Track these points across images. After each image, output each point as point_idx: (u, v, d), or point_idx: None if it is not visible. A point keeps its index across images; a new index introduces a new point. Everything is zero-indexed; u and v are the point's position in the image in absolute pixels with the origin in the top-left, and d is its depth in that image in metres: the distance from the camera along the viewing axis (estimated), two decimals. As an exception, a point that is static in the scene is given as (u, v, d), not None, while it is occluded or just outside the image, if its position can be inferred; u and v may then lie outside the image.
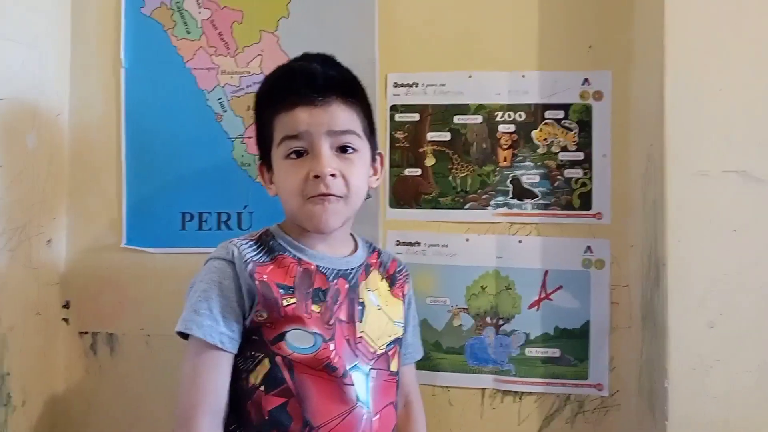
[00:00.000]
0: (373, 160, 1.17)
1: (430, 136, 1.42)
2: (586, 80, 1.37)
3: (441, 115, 1.41)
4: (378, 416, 1.07)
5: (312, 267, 1.08)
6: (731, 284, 1.14)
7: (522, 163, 1.39)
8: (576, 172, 1.38)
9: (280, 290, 1.04)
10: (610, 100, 1.37)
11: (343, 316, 1.08)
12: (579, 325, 1.37)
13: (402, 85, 1.42)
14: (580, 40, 1.38)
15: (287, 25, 1.43)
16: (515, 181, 1.39)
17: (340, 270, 1.11)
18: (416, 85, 1.42)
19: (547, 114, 1.39)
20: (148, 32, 1.45)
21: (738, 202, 1.14)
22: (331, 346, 1.04)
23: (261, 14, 1.43)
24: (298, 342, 1.03)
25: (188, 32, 1.44)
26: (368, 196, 1.15)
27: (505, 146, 1.40)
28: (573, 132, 1.38)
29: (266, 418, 1.01)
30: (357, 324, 1.09)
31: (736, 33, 1.16)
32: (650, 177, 1.24)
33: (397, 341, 1.17)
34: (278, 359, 1.02)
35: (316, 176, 1.04)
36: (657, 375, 1.19)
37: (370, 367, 1.08)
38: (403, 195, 1.42)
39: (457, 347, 1.40)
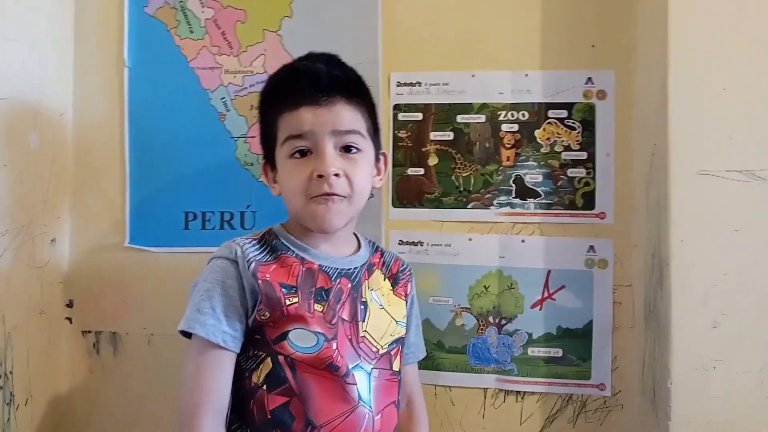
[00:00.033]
0: (377, 159, 1.17)
1: (433, 135, 1.42)
2: (589, 79, 1.37)
3: (444, 114, 1.41)
4: (380, 415, 1.07)
5: (315, 266, 1.08)
6: (734, 284, 1.14)
7: (525, 163, 1.39)
8: (579, 172, 1.37)
9: (283, 289, 1.04)
10: (613, 99, 1.37)
11: (345, 315, 1.08)
12: (582, 325, 1.36)
13: (405, 85, 1.42)
14: (583, 39, 1.38)
15: (290, 25, 1.43)
16: (518, 180, 1.39)
17: (342, 269, 1.11)
18: (419, 84, 1.42)
19: (551, 113, 1.38)
20: (151, 31, 1.45)
21: (741, 202, 1.14)
22: (334, 346, 1.04)
23: (264, 13, 1.43)
24: (300, 341, 1.03)
25: (191, 31, 1.45)
26: (371, 196, 1.15)
27: (508, 145, 1.39)
28: (576, 131, 1.38)
29: (269, 417, 1.01)
30: (359, 323, 1.09)
31: (739, 32, 1.16)
32: (653, 176, 1.23)
33: (400, 341, 1.17)
34: (281, 358, 1.02)
35: (320, 176, 1.04)
36: (660, 375, 1.19)
37: (372, 366, 1.08)
38: (406, 194, 1.42)
39: (459, 347, 1.40)
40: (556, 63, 1.39)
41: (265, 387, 1.02)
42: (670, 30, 1.17)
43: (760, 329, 1.13)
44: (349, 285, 1.10)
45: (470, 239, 1.40)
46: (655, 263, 1.23)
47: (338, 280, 1.09)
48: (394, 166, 1.41)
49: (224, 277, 1.04)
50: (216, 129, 1.44)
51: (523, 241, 1.39)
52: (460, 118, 1.41)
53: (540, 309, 1.38)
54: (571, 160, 1.38)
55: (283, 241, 1.10)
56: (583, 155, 1.38)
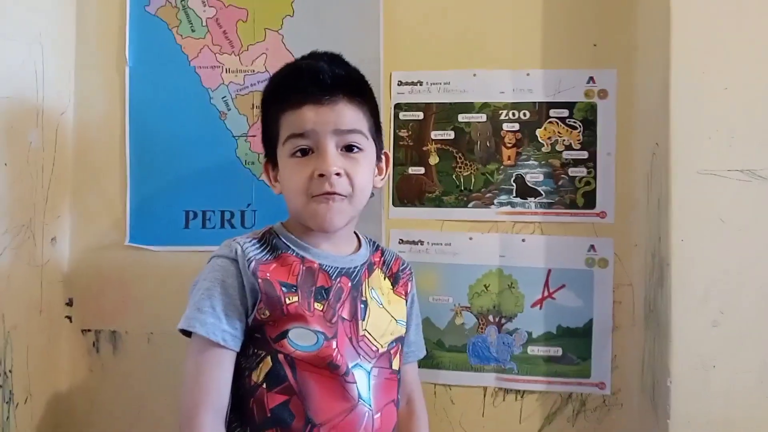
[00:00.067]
0: (379, 159, 1.17)
1: (434, 134, 1.42)
2: (590, 78, 1.37)
3: (445, 113, 1.41)
4: (380, 414, 1.07)
5: (315, 265, 1.09)
6: (734, 283, 1.14)
7: (526, 162, 1.39)
8: (580, 171, 1.37)
9: (283, 288, 1.04)
10: (614, 99, 1.37)
11: (345, 314, 1.08)
12: (582, 324, 1.36)
13: (406, 84, 1.42)
14: (584, 38, 1.38)
15: (292, 24, 1.43)
16: (519, 179, 1.39)
17: (343, 268, 1.11)
18: (420, 83, 1.42)
19: (552, 112, 1.38)
20: (152, 30, 1.45)
21: (742, 201, 1.14)
22: (334, 344, 1.04)
23: (266, 13, 1.43)
24: (300, 340, 1.03)
25: (193, 30, 1.45)
26: (371, 195, 1.15)
27: (509, 145, 1.39)
28: (577, 130, 1.38)
29: (268, 415, 1.01)
30: (360, 322, 1.09)
31: (741, 31, 1.16)
32: (654, 176, 1.24)
33: (400, 340, 1.17)
34: (280, 357, 1.02)
35: (321, 175, 1.04)
36: (660, 374, 1.19)
37: (372, 365, 1.09)
38: (407, 193, 1.42)
39: (459, 346, 1.40)
40: (558, 62, 1.39)
41: (264, 386, 1.02)
42: (671, 29, 1.17)
43: (760, 328, 1.13)
44: (350, 284, 1.10)
45: (470, 238, 1.40)
46: (655, 262, 1.23)
47: (338, 279, 1.09)
48: (394, 165, 1.41)
49: (224, 276, 1.04)
50: (217, 128, 1.44)
51: (523, 240, 1.39)
52: (461, 117, 1.41)
53: (540, 308, 1.38)
54: (572, 159, 1.38)
55: (283, 240, 1.10)
56: (584, 154, 1.38)
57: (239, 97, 1.44)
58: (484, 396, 1.39)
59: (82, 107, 1.46)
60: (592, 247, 1.37)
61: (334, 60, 1.12)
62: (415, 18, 1.42)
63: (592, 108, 1.37)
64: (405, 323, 1.19)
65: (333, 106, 1.06)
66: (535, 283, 1.38)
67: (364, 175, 1.10)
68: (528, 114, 1.39)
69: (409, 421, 1.21)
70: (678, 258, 1.15)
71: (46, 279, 1.37)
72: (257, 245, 1.08)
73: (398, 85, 1.42)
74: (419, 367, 1.29)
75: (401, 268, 1.23)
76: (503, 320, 1.38)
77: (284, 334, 1.03)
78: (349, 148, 1.08)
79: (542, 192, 1.39)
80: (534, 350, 1.38)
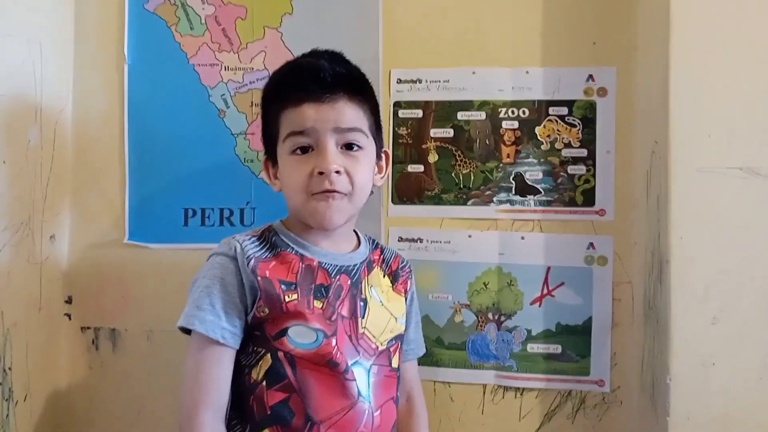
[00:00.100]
0: (379, 158, 1.17)
1: (434, 132, 1.42)
2: (590, 76, 1.37)
3: (444, 111, 1.41)
4: (379, 411, 1.08)
5: (314, 263, 1.09)
6: (734, 281, 1.14)
7: (525, 160, 1.39)
8: (579, 169, 1.37)
9: (282, 286, 1.04)
10: (614, 97, 1.37)
11: (345, 312, 1.08)
12: (581, 322, 1.36)
13: (405, 81, 1.42)
14: (584, 36, 1.38)
15: (291, 22, 1.43)
16: (518, 177, 1.39)
17: (342, 266, 1.11)
18: (419, 81, 1.42)
19: (551, 110, 1.38)
20: (151, 28, 1.44)
21: (742, 199, 1.14)
22: (333, 342, 1.04)
23: (265, 10, 1.43)
24: (300, 338, 1.03)
25: (192, 28, 1.44)
26: (371, 192, 1.15)
27: (509, 142, 1.39)
28: (577, 128, 1.38)
29: (268, 413, 1.01)
30: (359, 320, 1.09)
31: (740, 29, 1.16)
32: (654, 173, 1.24)
33: (399, 337, 1.17)
34: (280, 354, 1.02)
35: (321, 173, 1.04)
36: (659, 371, 1.19)
37: (371, 363, 1.09)
38: (406, 191, 1.42)
39: (458, 343, 1.40)
40: (557, 60, 1.39)
41: (264, 383, 1.02)
42: (671, 28, 1.17)
43: (760, 326, 1.13)
44: (349, 282, 1.10)
45: (470, 236, 1.40)
46: (654, 260, 1.23)
47: (338, 277, 1.09)
48: (394, 162, 1.41)
49: (223, 274, 1.04)
50: (216, 126, 1.44)
51: (522, 237, 1.39)
52: (460, 115, 1.41)
53: (539, 306, 1.38)
54: (572, 157, 1.38)
55: (282, 237, 1.10)
56: (584, 152, 1.38)
57: (238, 95, 1.44)
58: (484, 393, 1.39)
59: (81, 105, 1.46)
60: (592, 244, 1.37)
61: (335, 58, 1.12)
62: (414, 16, 1.42)
63: (591, 106, 1.37)
64: (404, 321, 1.19)
65: (333, 104, 1.06)
66: (534, 281, 1.38)
67: (364, 173, 1.10)
68: (527, 112, 1.39)
69: (408, 419, 1.21)
70: (677, 256, 1.15)
71: (46, 276, 1.37)
72: (256, 243, 1.08)
73: (397, 82, 1.42)
74: (419, 364, 1.29)
75: (400, 266, 1.23)
76: (503, 318, 1.38)
77: (284, 332, 1.03)
78: (349, 146, 1.08)
79: (541, 190, 1.39)
80: (533, 348, 1.38)
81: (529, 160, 1.39)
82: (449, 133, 1.41)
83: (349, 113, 1.08)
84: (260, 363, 1.03)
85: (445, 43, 1.41)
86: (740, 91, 1.15)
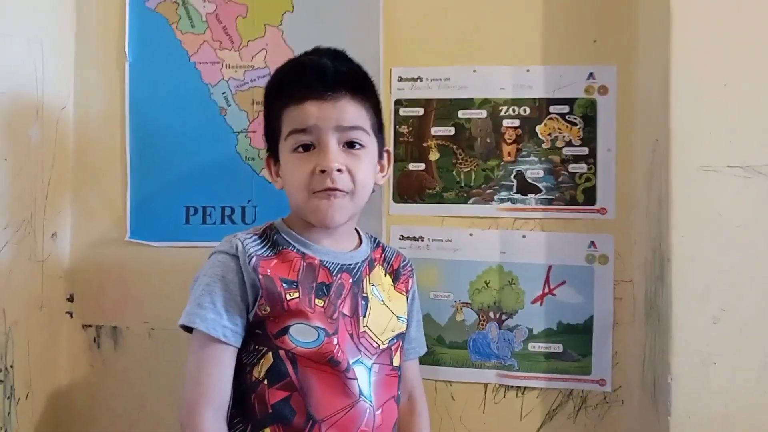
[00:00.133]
0: (380, 156, 1.17)
1: (435, 130, 1.41)
2: (591, 75, 1.37)
3: (445, 109, 1.41)
4: (380, 410, 1.08)
5: (316, 261, 1.08)
6: (735, 280, 1.14)
7: (526, 158, 1.39)
8: (580, 167, 1.37)
9: (284, 284, 1.04)
10: (615, 95, 1.36)
11: (346, 310, 1.08)
12: (582, 321, 1.36)
13: (406, 80, 1.42)
14: (585, 35, 1.38)
15: (292, 20, 1.43)
16: (519, 175, 1.39)
17: (344, 265, 1.11)
18: (420, 79, 1.41)
19: (552, 109, 1.38)
20: (152, 26, 1.44)
21: (743, 198, 1.14)
22: (335, 341, 1.04)
23: (265, 8, 1.43)
24: (301, 336, 1.03)
25: (193, 26, 1.44)
26: (372, 191, 1.15)
27: (510, 141, 1.39)
28: (578, 127, 1.38)
29: (270, 411, 1.01)
30: (360, 318, 1.09)
31: (741, 28, 1.16)
32: (655, 172, 1.23)
33: (400, 336, 1.17)
34: (281, 353, 1.02)
35: (323, 171, 1.04)
36: (660, 370, 1.19)
37: (372, 361, 1.09)
38: (407, 189, 1.42)
39: (460, 342, 1.40)
40: (558, 58, 1.38)
41: (266, 381, 1.02)
42: (672, 26, 1.17)
43: (761, 325, 1.13)
44: (350, 280, 1.10)
45: (471, 234, 1.40)
46: (655, 259, 1.23)
47: (339, 276, 1.09)
48: (395, 161, 1.41)
49: (225, 272, 1.04)
50: (217, 124, 1.44)
51: (523, 236, 1.39)
52: (461, 114, 1.41)
53: (540, 304, 1.38)
54: (572, 155, 1.38)
55: (284, 236, 1.10)
56: (585, 151, 1.38)
57: (239, 93, 1.44)
58: (485, 392, 1.39)
59: (82, 103, 1.46)
60: (593, 243, 1.36)
61: (338, 56, 1.12)
62: (415, 14, 1.41)
63: (592, 104, 1.37)
64: (406, 320, 1.19)
65: (335, 102, 1.06)
66: (535, 280, 1.38)
67: (366, 171, 1.09)
68: (528, 110, 1.39)
69: (410, 418, 1.21)
70: (678, 254, 1.15)
71: (47, 274, 1.38)
72: (258, 241, 1.08)
73: (398, 81, 1.42)
74: (420, 363, 1.29)
75: (402, 265, 1.23)
76: (504, 317, 1.38)
77: (285, 330, 1.03)
78: (350, 145, 1.08)
79: (542, 188, 1.38)
80: (534, 347, 1.38)
81: (530, 158, 1.39)
82: (450, 131, 1.41)
83: (352, 111, 1.07)
84: (261, 361, 1.03)
85: (446, 41, 1.41)
86: (741, 90, 1.15)
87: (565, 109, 1.38)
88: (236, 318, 1.03)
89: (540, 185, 1.38)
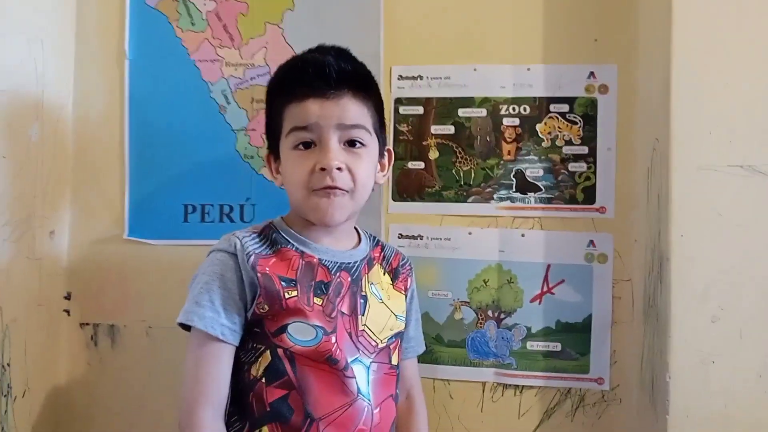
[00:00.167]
0: (381, 155, 1.17)
1: (434, 129, 1.41)
2: (591, 74, 1.37)
3: (445, 108, 1.41)
4: (379, 409, 1.08)
5: (314, 260, 1.08)
6: (734, 279, 1.14)
7: (526, 157, 1.39)
8: (580, 166, 1.37)
9: (282, 283, 1.04)
10: (615, 94, 1.36)
11: (345, 309, 1.08)
12: (581, 320, 1.36)
13: (406, 78, 1.42)
14: (585, 34, 1.37)
15: (292, 18, 1.43)
16: (519, 174, 1.39)
17: (342, 263, 1.11)
18: (420, 77, 1.41)
19: (552, 107, 1.38)
20: (152, 24, 1.44)
21: (743, 197, 1.14)
22: (333, 339, 1.04)
23: (266, 6, 1.43)
24: (299, 334, 1.03)
25: (193, 24, 1.44)
26: (372, 189, 1.15)
27: (509, 140, 1.39)
28: (578, 126, 1.38)
29: (268, 409, 1.01)
30: (359, 317, 1.09)
31: (742, 28, 1.16)
32: (655, 171, 1.23)
33: (399, 335, 1.17)
34: (280, 351, 1.02)
35: (323, 169, 1.04)
36: (659, 369, 1.19)
37: (371, 360, 1.09)
38: (407, 188, 1.42)
39: (458, 340, 1.40)
40: (558, 57, 1.38)
41: (264, 380, 1.02)
42: (672, 25, 1.17)
43: (760, 324, 1.13)
44: (349, 279, 1.10)
45: (470, 233, 1.40)
46: (655, 258, 1.23)
47: (338, 274, 1.09)
48: (394, 159, 1.40)
49: (223, 270, 1.04)
50: (216, 122, 1.43)
51: (523, 235, 1.39)
52: (461, 112, 1.41)
53: (539, 303, 1.38)
54: (572, 154, 1.38)
55: (283, 234, 1.10)
56: (584, 150, 1.37)
57: (239, 91, 1.43)
58: (483, 391, 1.39)
59: (82, 101, 1.46)
60: (592, 242, 1.36)
61: (341, 54, 1.12)
62: (415, 12, 1.41)
63: (592, 103, 1.37)
64: (404, 318, 1.19)
65: (337, 100, 1.06)
66: (534, 278, 1.38)
67: (366, 170, 1.09)
68: (528, 109, 1.39)
69: (408, 416, 1.21)
70: (678, 254, 1.15)
71: (45, 272, 1.37)
72: (257, 239, 1.08)
73: (398, 79, 1.42)
74: (418, 362, 1.29)
75: (401, 264, 1.23)
76: (502, 315, 1.38)
77: (283, 329, 1.02)
78: (351, 143, 1.08)
79: (542, 187, 1.38)
80: (533, 345, 1.38)
81: (530, 157, 1.39)
82: (450, 130, 1.41)
83: (353, 110, 1.07)
84: (260, 360, 1.03)
85: (446, 40, 1.41)
86: (741, 89, 1.15)
87: (566, 108, 1.38)
88: (234, 316, 1.03)
89: (539, 184, 1.38)
